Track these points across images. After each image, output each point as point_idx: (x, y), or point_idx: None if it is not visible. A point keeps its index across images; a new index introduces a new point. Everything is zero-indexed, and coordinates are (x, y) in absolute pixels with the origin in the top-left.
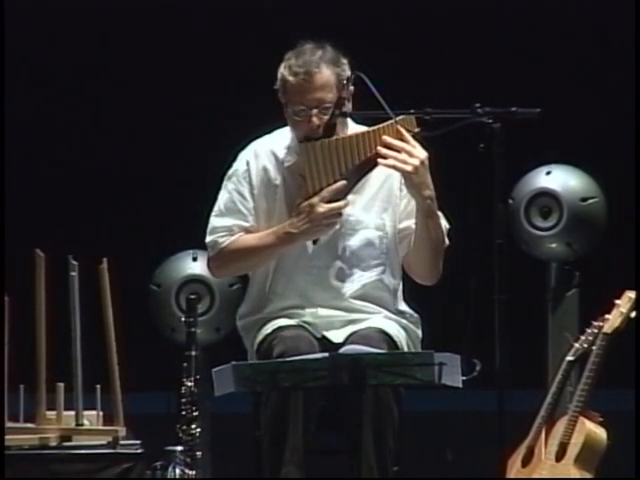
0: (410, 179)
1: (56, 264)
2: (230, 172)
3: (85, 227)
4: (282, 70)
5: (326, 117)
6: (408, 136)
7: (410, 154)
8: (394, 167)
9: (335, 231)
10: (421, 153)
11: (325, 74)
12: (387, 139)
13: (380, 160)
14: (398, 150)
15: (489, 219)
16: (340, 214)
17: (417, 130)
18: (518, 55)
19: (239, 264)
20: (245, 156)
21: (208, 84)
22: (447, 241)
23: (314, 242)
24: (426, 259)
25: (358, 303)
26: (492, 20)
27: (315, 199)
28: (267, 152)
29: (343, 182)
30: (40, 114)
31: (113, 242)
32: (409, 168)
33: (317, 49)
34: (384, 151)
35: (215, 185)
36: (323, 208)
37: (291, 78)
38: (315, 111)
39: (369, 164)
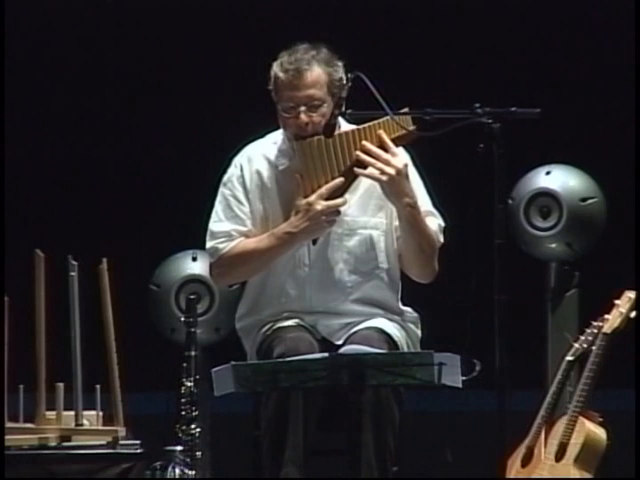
0: (387, 188)
1: (56, 264)
2: (225, 178)
3: (85, 227)
4: (274, 67)
5: (315, 115)
6: (389, 143)
7: (387, 162)
8: (369, 176)
9: (333, 233)
10: (399, 162)
11: (315, 72)
12: (366, 145)
13: (357, 169)
14: (376, 157)
15: (489, 219)
16: (339, 211)
17: (412, 127)
18: (518, 55)
19: (241, 269)
20: (238, 161)
21: (208, 85)
22: (441, 239)
23: (314, 242)
24: (415, 261)
25: (359, 308)
26: (492, 20)
27: (313, 197)
28: (260, 156)
29: (340, 179)
30: (41, 114)
31: (113, 242)
32: (384, 178)
33: (311, 49)
34: (362, 157)
35: (214, 185)
36: (321, 206)
37: (282, 74)
38: (303, 108)
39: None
